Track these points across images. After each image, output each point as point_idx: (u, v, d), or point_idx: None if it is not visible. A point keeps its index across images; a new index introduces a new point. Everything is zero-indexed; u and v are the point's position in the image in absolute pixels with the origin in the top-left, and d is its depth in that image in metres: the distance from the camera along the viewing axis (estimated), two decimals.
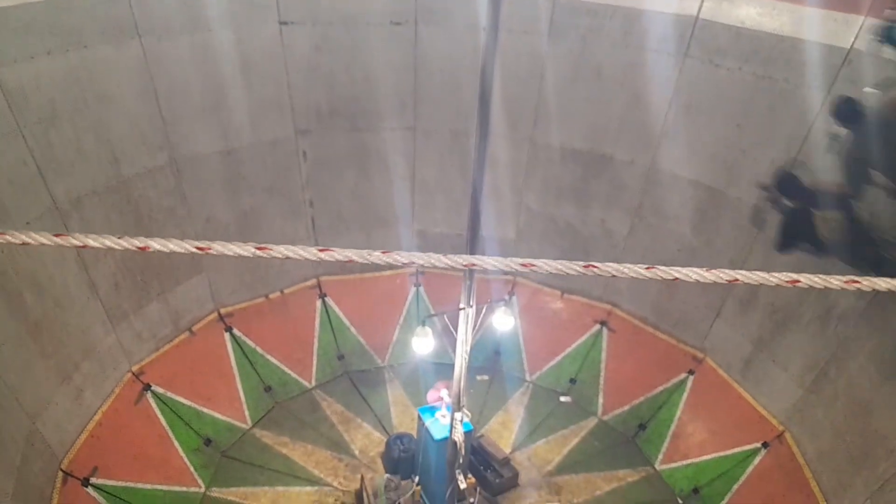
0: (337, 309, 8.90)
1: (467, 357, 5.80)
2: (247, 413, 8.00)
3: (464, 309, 5.22)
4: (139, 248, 1.47)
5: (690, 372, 7.94)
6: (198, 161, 7.38)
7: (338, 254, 1.46)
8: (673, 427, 7.91)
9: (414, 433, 7.75)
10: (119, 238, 1.48)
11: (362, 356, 8.99)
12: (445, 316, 5.80)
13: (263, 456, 7.66)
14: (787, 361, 6.89)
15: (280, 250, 1.55)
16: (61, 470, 6.44)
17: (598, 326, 8.75)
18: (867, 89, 5.13)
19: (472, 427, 7.34)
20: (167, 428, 7.42)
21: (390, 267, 9.07)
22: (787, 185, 5.56)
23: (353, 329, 8.98)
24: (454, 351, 5.86)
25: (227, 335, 8.15)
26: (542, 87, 7.55)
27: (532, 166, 8.20)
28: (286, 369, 8.49)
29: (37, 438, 6.19)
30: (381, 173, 8.47)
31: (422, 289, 9.11)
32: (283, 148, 7.93)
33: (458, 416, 6.14)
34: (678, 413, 7.90)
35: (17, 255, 5.84)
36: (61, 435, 6.53)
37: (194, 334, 7.90)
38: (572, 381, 8.82)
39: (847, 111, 5.03)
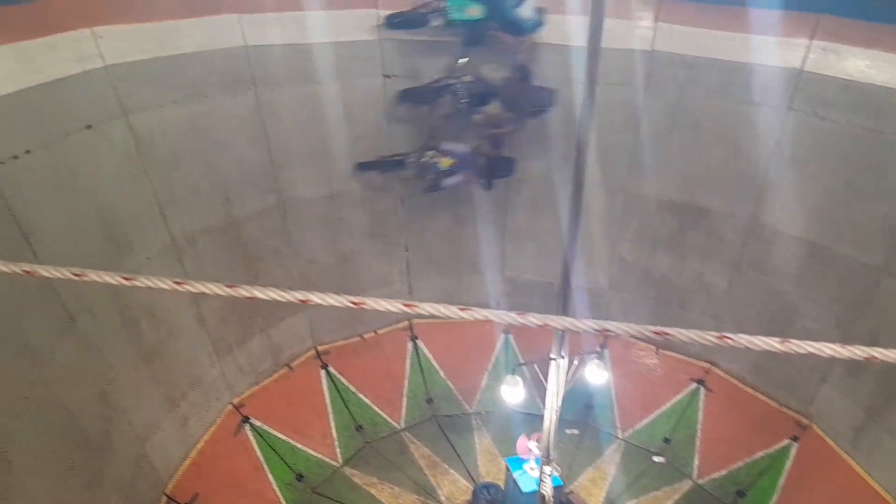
0: (427, 352, 9.21)
1: (558, 409, 5.90)
2: (338, 450, 8.37)
3: (555, 359, 5.35)
4: (247, 297, 1.65)
5: (794, 438, 7.63)
6: (303, 204, 7.98)
7: (422, 308, 1.60)
8: (775, 497, 7.58)
9: (501, 483, 7.85)
10: (228, 286, 1.64)
11: (450, 401, 9.21)
12: (536, 365, 5.93)
13: (352, 495, 7.96)
14: None
15: (370, 303, 1.71)
16: (165, 494, 6.99)
17: (694, 385, 8.59)
18: None
19: (561, 482, 7.37)
20: (262, 461, 7.89)
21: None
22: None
23: (442, 373, 9.24)
24: (544, 401, 5.98)
25: (322, 372, 8.61)
26: (637, 137, 7.71)
27: (626, 216, 8.30)
28: (377, 409, 8.83)
29: (145, 461, 6.78)
30: (474, 220, 8.78)
31: (511, 336, 9.28)
32: (382, 194, 8.44)
33: (547, 469, 6.20)
34: (781, 482, 7.58)
35: (138, 288, 6.53)
36: (167, 460, 7.11)
37: (292, 370, 8.41)
38: (666, 440, 8.65)
39: None
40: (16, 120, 5.09)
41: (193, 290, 1.58)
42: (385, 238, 8.73)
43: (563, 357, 5.52)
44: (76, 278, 1.47)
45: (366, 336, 9.06)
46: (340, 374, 8.73)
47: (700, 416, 8.44)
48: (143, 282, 1.52)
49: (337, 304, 1.58)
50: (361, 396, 8.80)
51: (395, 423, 8.91)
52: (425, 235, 8.84)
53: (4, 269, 1.36)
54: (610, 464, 8.57)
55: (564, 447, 8.53)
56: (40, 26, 5.22)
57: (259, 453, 7.88)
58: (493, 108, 7.44)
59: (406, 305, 1.43)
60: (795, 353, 1.69)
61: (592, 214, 8.09)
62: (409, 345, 9.18)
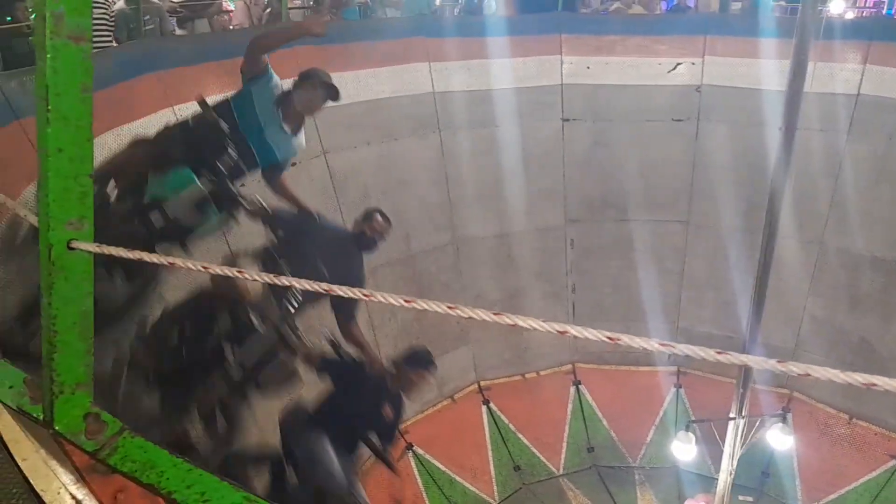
0: (590, 398, 9.18)
1: (732, 472, 5.71)
2: (495, 488, 8.55)
3: (734, 419, 5.23)
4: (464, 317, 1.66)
5: None
6: (475, 242, 8.40)
7: (574, 331, 1.48)
8: None
9: None
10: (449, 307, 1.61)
11: (613, 451, 9.08)
12: (712, 424, 5.80)
13: None
14: None
15: (531, 323, 1.60)
16: None
17: (894, 462, 7.81)
18: None
19: None
20: (422, 489, 8.25)
21: (649, 362, 9.16)
22: None
23: (605, 422, 9.15)
24: (715, 462, 5.81)
25: (484, 408, 8.89)
26: (837, 187, 7.30)
27: (820, 271, 7.82)
28: (535, 451, 8.92)
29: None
30: (647, 265, 8.71)
31: (682, 391, 9.01)
32: (552, 235, 8.65)
33: None
34: None
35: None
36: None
37: (455, 402, 8.77)
38: None
39: None
40: None
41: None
42: (551, 279, 8.91)
43: (742, 417, 5.37)
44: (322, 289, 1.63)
45: (527, 376, 9.22)
46: (501, 411, 8.95)
47: None
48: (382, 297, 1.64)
49: (592, 338, 1.55)
50: (521, 436, 8.93)
51: (553, 468, 8.93)
52: (594, 278, 8.90)
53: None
54: None
55: None
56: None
57: (419, 481, 8.26)
58: None
59: (609, 339, 1.41)
60: None
61: (780, 265, 7.70)
62: (572, 389, 9.21)
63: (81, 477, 1.45)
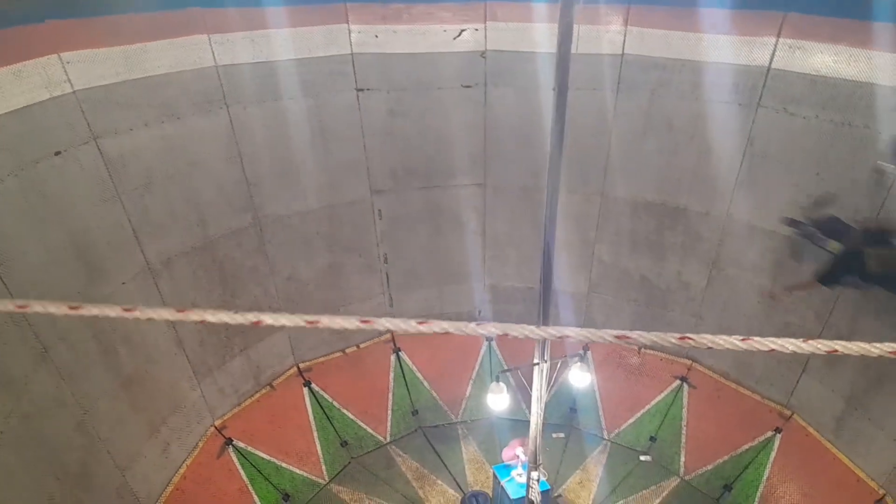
0: (411, 363, 9.27)
1: (542, 414, 6.01)
2: (324, 468, 8.39)
3: (538, 364, 5.46)
4: (197, 321, 1.55)
5: (777, 430, 7.84)
6: (279, 221, 8.02)
7: (378, 324, 1.47)
8: (761, 489, 7.78)
9: (489, 491, 7.93)
10: (178, 311, 1.49)
11: (436, 411, 9.28)
12: (520, 371, 6.03)
13: None
14: (883, 420, 6.76)
15: (325, 321, 1.52)
16: None
17: (678, 382, 8.76)
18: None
19: (549, 486, 7.47)
20: (247, 482, 7.88)
21: (461, 321, 9.41)
22: (830, 226, 6.12)
23: (426, 384, 9.31)
24: (529, 407, 6.07)
25: (305, 390, 8.63)
26: (611, 141, 7.88)
27: (604, 219, 8.46)
28: (362, 424, 8.87)
29: (126, 491, 6.75)
30: (453, 229, 8.90)
31: (494, 343, 9.38)
32: (359, 207, 8.50)
33: (534, 474, 6.30)
34: (766, 474, 7.78)
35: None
36: (148, 487, 7.07)
37: (274, 389, 8.42)
38: (652, 438, 8.81)
39: None
40: None
41: (141, 315, 1.52)
42: (363, 251, 8.80)
43: (545, 361, 5.63)
44: (72, 312, 1.49)
45: (348, 351, 9.10)
46: (324, 390, 8.76)
47: (685, 413, 8.62)
48: (145, 313, 1.51)
49: (290, 325, 1.56)
50: (346, 412, 8.83)
51: (380, 437, 8.95)
52: (405, 247, 8.92)
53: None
54: (597, 465, 8.70)
55: (551, 452, 8.65)
56: (7, 54, 5.22)
57: (243, 475, 7.87)
58: None
59: (362, 322, 1.40)
60: (757, 350, 1.70)
61: (570, 218, 8.25)
62: (393, 357, 9.24)
63: None
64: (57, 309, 1.50)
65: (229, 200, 7.53)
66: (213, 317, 1.37)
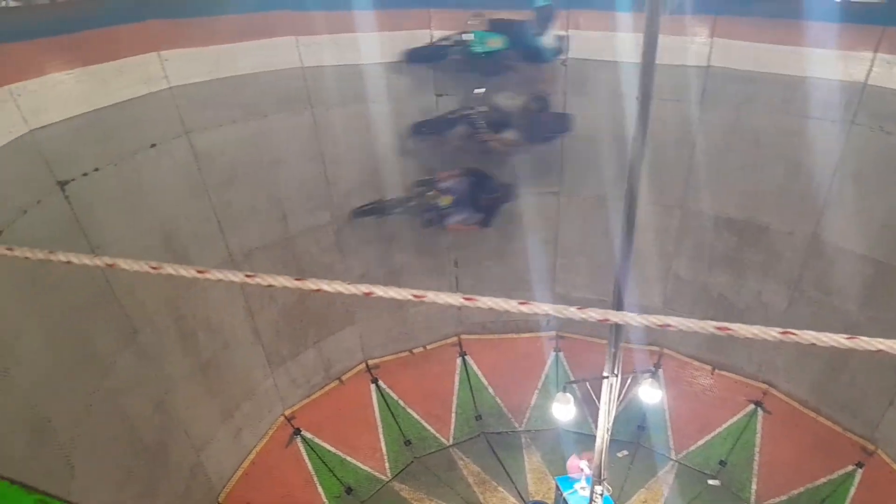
0: (476, 368, 9.32)
1: (610, 428, 5.93)
2: (387, 465, 8.53)
3: (608, 377, 5.40)
4: (314, 290, 1.60)
5: (859, 465, 7.44)
6: (356, 221, 8.23)
7: (481, 302, 1.57)
8: None
9: (550, 502, 7.87)
10: (297, 280, 1.56)
11: (499, 418, 9.28)
12: (588, 384, 5.98)
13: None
14: None
15: (430, 296, 1.68)
16: (218, 503, 7.26)
17: (752, 406, 8.46)
18: None
19: (613, 502, 7.35)
20: (313, 473, 8.10)
21: (530, 329, 9.40)
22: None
23: (491, 390, 9.33)
24: (595, 421, 6.01)
25: (373, 386, 8.81)
26: (693, 154, 7.70)
27: (682, 233, 8.27)
28: (426, 424, 8.97)
29: (199, 471, 7.06)
30: (524, 236, 8.89)
31: (562, 354, 9.31)
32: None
33: (598, 489, 6.22)
34: None
35: (195, 300, 6.87)
36: (220, 470, 7.38)
37: (343, 383, 8.64)
38: (722, 463, 8.54)
39: None
40: (88, 139, 5.45)
41: (263, 283, 1.63)
42: (434, 254, 8.91)
43: (615, 375, 5.56)
44: (153, 271, 1.59)
45: (415, 351, 9.23)
46: (390, 388, 8.91)
47: (758, 438, 8.31)
48: (215, 275, 1.61)
49: (399, 297, 1.63)
50: (410, 411, 8.95)
51: (443, 439, 9.03)
52: (475, 252, 8.98)
53: (88, 262, 1.50)
54: (663, 486, 8.49)
55: (616, 468, 8.50)
56: (112, 50, 5.59)
57: (310, 465, 8.10)
58: (509, 135, 7.60)
59: (466, 299, 1.48)
60: (864, 349, 1.69)
61: (647, 230, 8.10)
62: (458, 361, 9.31)
63: None
64: (140, 266, 1.61)
65: (309, 198, 7.79)
66: (329, 286, 1.46)
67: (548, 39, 7.23)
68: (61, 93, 5.21)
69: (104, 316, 5.68)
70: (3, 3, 6.45)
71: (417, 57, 7.54)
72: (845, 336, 1.47)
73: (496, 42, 7.27)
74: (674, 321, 1.33)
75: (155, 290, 6.34)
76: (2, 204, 4.59)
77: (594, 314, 1.41)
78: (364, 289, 1.49)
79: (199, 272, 1.53)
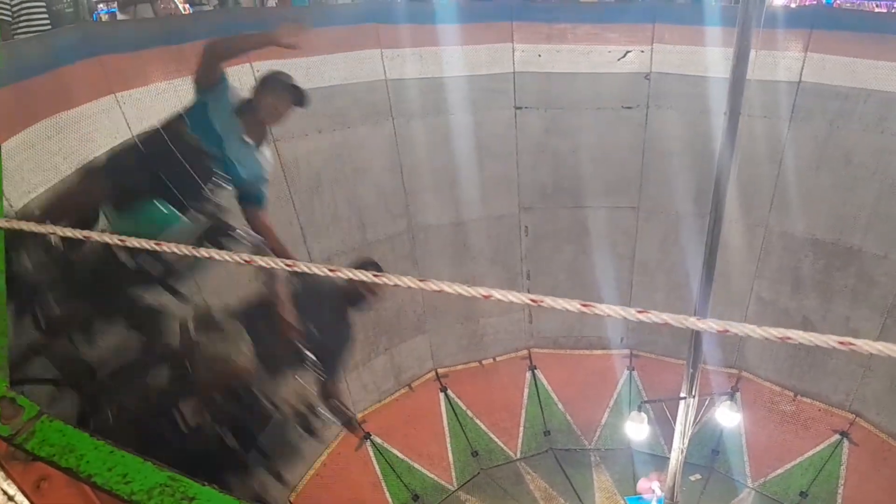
0: (546, 383, 9.27)
1: (684, 451, 5.83)
2: (454, 474, 8.58)
3: (685, 398, 5.33)
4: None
5: None
6: (431, 230, 8.37)
7: (546, 302, 1.54)
8: None
9: None
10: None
11: (569, 434, 9.20)
12: (664, 404, 5.91)
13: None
14: None
15: (496, 294, 1.60)
16: (290, 503, 7.48)
17: (837, 437, 8.09)
18: None
19: None
20: (381, 477, 8.23)
21: (603, 346, 9.29)
22: None
23: (560, 405, 9.26)
24: (668, 442, 5.92)
25: (441, 395, 8.90)
26: (781, 172, 7.48)
27: (766, 253, 8.03)
28: (493, 436, 8.98)
29: (273, 469, 7.30)
30: (600, 251, 8.81)
31: (635, 373, 9.16)
32: (507, 222, 8.68)
33: None
34: None
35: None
36: (293, 469, 7.60)
37: (413, 390, 8.76)
38: (803, 494, 8.19)
39: None
40: None
41: (344, 276, 1.64)
42: (506, 266, 8.95)
43: (693, 396, 5.48)
44: (244, 263, 1.64)
45: (484, 363, 9.27)
46: (458, 397, 8.97)
47: (843, 470, 7.93)
48: (300, 267, 1.61)
49: (516, 301, 1.58)
50: (478, 422, 8.98)
51: (510, 452, 9.01)
52: (548, 265, 8.97)
53: (177, 251, 1.56)
54: None
55: (689, 492, 8.28)
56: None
57: (378, 470, 8.23)
58: None
59: (532, 300, 1.47)
60: None
61: (728, 249, 7.87)
62: (528, 374, 9.29)
63: (0, 465, 1.38)
64: (233, 258, 1.66)
65: (387, 207, 7.98)
66: (449, 288, 1.50)
67: None
68: (162, 101, 5.54)
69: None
70: (131, 12, 6.88)
71: None
72: None
73: None
74: (792, 334, 1.29)
75: (235, 289, 6.62)
76: None
77: (667, 318, 1.40)
78: (434, 286, 1.52)
79: (288, 265, 1.63)
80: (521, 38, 7.56)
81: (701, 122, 7.29)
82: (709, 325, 1.39)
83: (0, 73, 4.14)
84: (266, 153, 4.00)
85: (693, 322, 1.38)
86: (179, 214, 3.35)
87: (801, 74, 6.98)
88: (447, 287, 1.41)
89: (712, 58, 7.09)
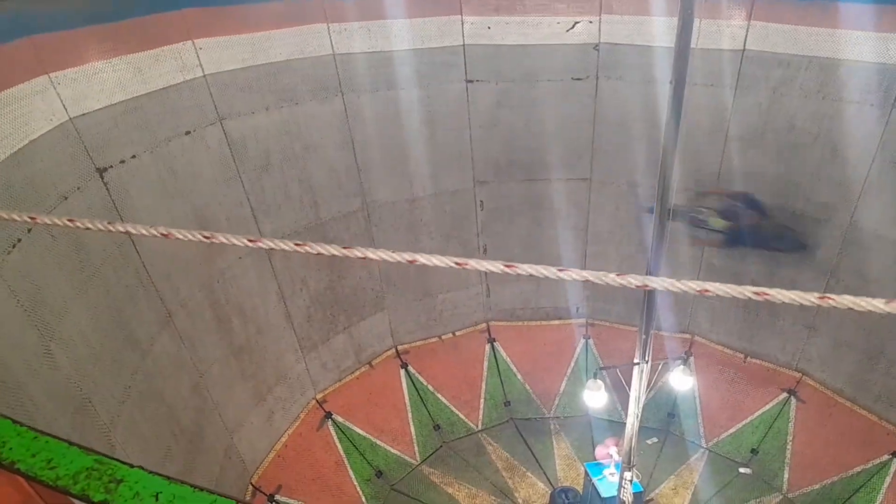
0: (505, 355, 9.37)
1: (639, 415, 5.96)
2: (416, 449, 8.65)
3: (638, 364, 5.42)
4: (360, 257, 1.57)
5: (895, 454, 7.37)
6: (386, 207, 8.31)
7: (521, 269, 1.54)
8: None
9: (579, 488, 7.92)
10: (345, 248, 1.55)
11: (528, 404, 9.34)
12: (618, 370, 6.00)
13: (429, 493, 8.21)
14: None
15: (472, 263, 1.61)
16: (251, 484, 7.44)
17: (784, 395, 8.39)
18: None
19: (641, 488, 7.39)
20: (343, 455, 8.25)
21: (559, 317, 9.42)
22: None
23: (519, 376, 9.38)
24: (624, 408, 6.03)
25: (402, 371, 8.93)
26: (727, 140, 7.62)
27: None
28: (454, 410, 9.06)
29: (233, 452, 7.25)
30: (554, 223, 8.89)
31: (591, 341, 9.32)
32: (461, 197, 8.66)
33: (627, 475, 6.27)
34: (879, 499, 7.33)
35: (229, 286, 7.01)
36: (253, 452, 7.56)
37: (373, 368, 8.77)
38: (754, 451, 8.49)
39: None
40: (125, 126, 5.59)
41: (312, 251, 1.61)
42: (463, 241, 8.96)
43: (646, 361, 5.58)
44: (205, 240, 1.60)
45: (444, 337, 9.32)
46: (419, 373, 9.01)
47: (791, 427, 8.25)
48: (266, 244, 1.60)
49: (493, 269, 1.57)
50: (440, 396, 9.05)
51: (472, 425, 9.11)
52: (504, 238, 9.01)
53: (145, 231, 1.53)
54: (693, 473, 8.48)
55: (645, 455, 8.50)
56: (147, 39, 5.70)
57: (340, 448, 8.25)
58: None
59: (506, 266, 1.46)
60: (842, 307, 1.55)
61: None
62: (487, 347, 9.37)
63: None
64: (193, 236, 1.64)
65: (340, 185, 7.88)
66: (426, 259, 1.46)
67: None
68: (100, 81, 5.34)
69: (142, 300, 5.84)
70: None
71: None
72: (884, 301, 1.40)
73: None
74: (711, 286, 1.32)
75: (190, 275, 6.50)
76: (44, 190, 4.74)
77: (633, 280, 1.42)
78: (408, 256, 1.49)
79: (250, 241, 1.58)
80: (469, 10, 7.48)
81: (649, 91, 7.35)
82: (628, 280, 1.40)
83: None
84: None
85: (612, 278, 1.40)
86: None
87: (745, 42, 7.07)
88: (423, 259, 1.38)
89: (659, 28, 7.13)
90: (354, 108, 7.61)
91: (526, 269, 1.50)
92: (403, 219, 8.45)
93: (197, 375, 6.63)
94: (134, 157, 5.71)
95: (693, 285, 1.32)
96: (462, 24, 7.53)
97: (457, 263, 1.63)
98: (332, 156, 7.70)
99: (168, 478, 1.16)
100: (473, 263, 1.63)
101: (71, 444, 1.21)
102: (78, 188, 5.10)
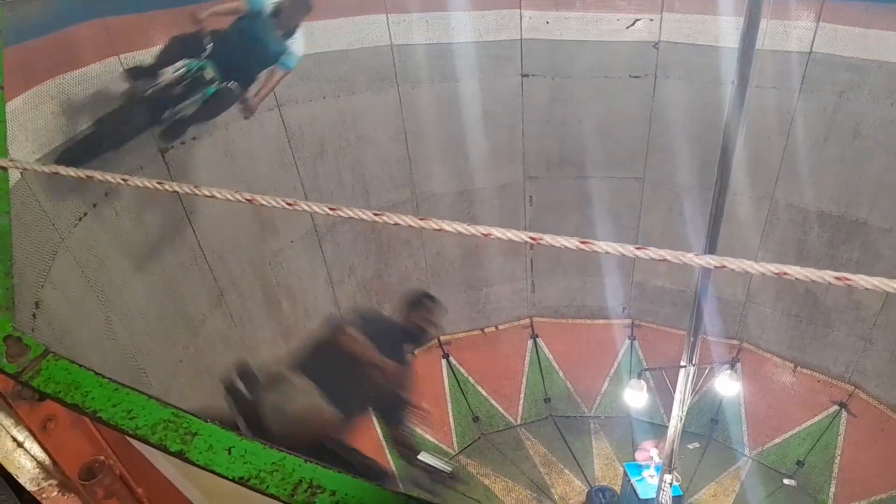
0: (547, 351, 9.34)
1: (682, 419, 5.89)
2: (454, 439, 8.70)
3: (685, 367, 5.35)
4: (435, 229, 1.52)
5: None
6: (435, 199, 8.35)
7: (545, 240, 1.45)
8: None
9: (617, 488, 7.87)
10: (421, 220, 1.50)
11: (569, 402, 9.29)
12: (664, 372, 5.94)
13: (466, 484, 8.25)
14: None
15: (496, 233, 1.52)
16: None
17: (835, 408, 8.16)
18: None
19: (682, 492, 7.30)
20: (383, 442, 8.34)
21: (604, 316, 9.33)
22: None
23: (561, 373, 9.34)
24: (667, 411, 5.96)
25: (444, 361, 8.98)
26: (788, 143, 7.42)
27: (771, 226, 8.00)
28: (494, 402, 9.08)
29: None
30: (604, 222, 8.79)
31: (636, 342, 9.21)
32: (511, 192, 8.65)
33: (667, 477, 6.20)
34: None
35: (280, 268, 7.16)
36: None
37: (415, 356, 8.80)
38: (800, 463, 8.29)
39: None
40: None
41: (390, 221, 1.54)
42: None
43: (693, 364, 5.51)
44: (289, 207, 1.61)
45: (486, 330, 9.33)
46: (460, 364, 9.05)
47: (840, 441, 8.02)
48: (345, 212, 1.55)
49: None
50: (480, 389, 9.08)
51: (511, 419, 9.12)
52: (553, 235, 8.95)
53: (230, 197, 1.57)
54: (734, 480, 8.33)
55: (687, 459, 8.39)
56: None
57: (380, 434, 8.33)
58: None
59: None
60: None
61: (733, 221, 7.86)
62: (529, 343, 9.35)
63: (7, 404, 1.41)
64: (276, 202, 1.62)
65: (391, 175, 7.96)
66: (449, 226, 1.46)
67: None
68: None
69: (196, 278, 6.02)
70: None
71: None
72: None
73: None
74: (789, 269, 1.25)
75: (242, 256, 6.66)
76: (111, 168, 4.92)
77: (711, 261, 1.36)
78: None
79: (331, 209, 1.59)
80: (529, 4, 7.44)
81: (709, 92, 7.21)
82: (706, 261, 1.38)
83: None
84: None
85: (691, 258, 1.38)
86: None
87: (812, 45, 6.87)
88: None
89: (722, 27, 6.97)
90: (408, 100, 7.66)
91: (602, 246, 1.47)
92: (452, 211, 8.47)
93: (245, 355, 6.78)
94: (195, 138, 5.86)
95: (772, 268, 1.29)
96: (521, 17, 7.51)
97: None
98: (384, 146, 7.77)
99: (240, 433, 1.22)
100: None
101: (150, 396, 1.27)
102: (141, 167, 5.27)
